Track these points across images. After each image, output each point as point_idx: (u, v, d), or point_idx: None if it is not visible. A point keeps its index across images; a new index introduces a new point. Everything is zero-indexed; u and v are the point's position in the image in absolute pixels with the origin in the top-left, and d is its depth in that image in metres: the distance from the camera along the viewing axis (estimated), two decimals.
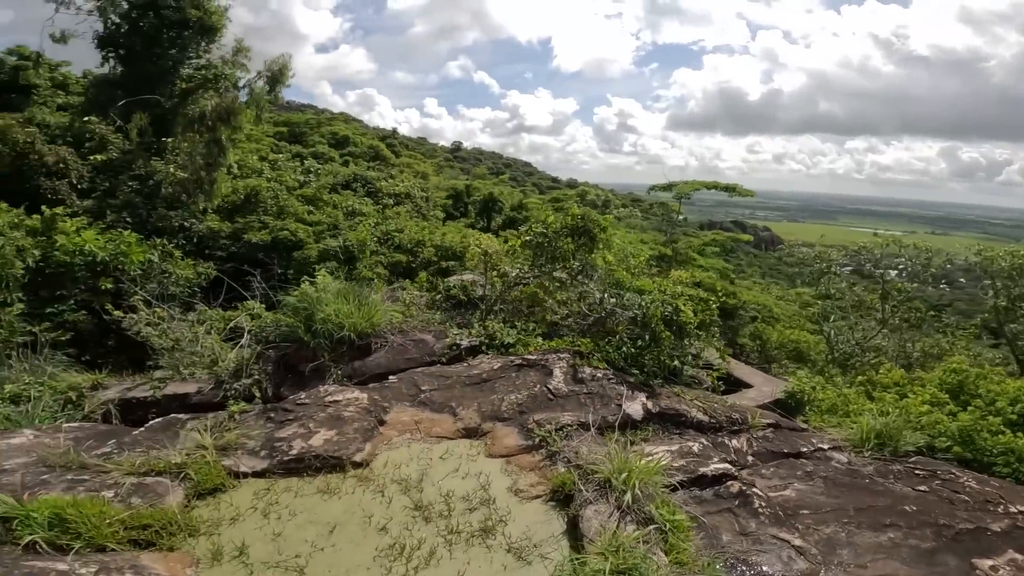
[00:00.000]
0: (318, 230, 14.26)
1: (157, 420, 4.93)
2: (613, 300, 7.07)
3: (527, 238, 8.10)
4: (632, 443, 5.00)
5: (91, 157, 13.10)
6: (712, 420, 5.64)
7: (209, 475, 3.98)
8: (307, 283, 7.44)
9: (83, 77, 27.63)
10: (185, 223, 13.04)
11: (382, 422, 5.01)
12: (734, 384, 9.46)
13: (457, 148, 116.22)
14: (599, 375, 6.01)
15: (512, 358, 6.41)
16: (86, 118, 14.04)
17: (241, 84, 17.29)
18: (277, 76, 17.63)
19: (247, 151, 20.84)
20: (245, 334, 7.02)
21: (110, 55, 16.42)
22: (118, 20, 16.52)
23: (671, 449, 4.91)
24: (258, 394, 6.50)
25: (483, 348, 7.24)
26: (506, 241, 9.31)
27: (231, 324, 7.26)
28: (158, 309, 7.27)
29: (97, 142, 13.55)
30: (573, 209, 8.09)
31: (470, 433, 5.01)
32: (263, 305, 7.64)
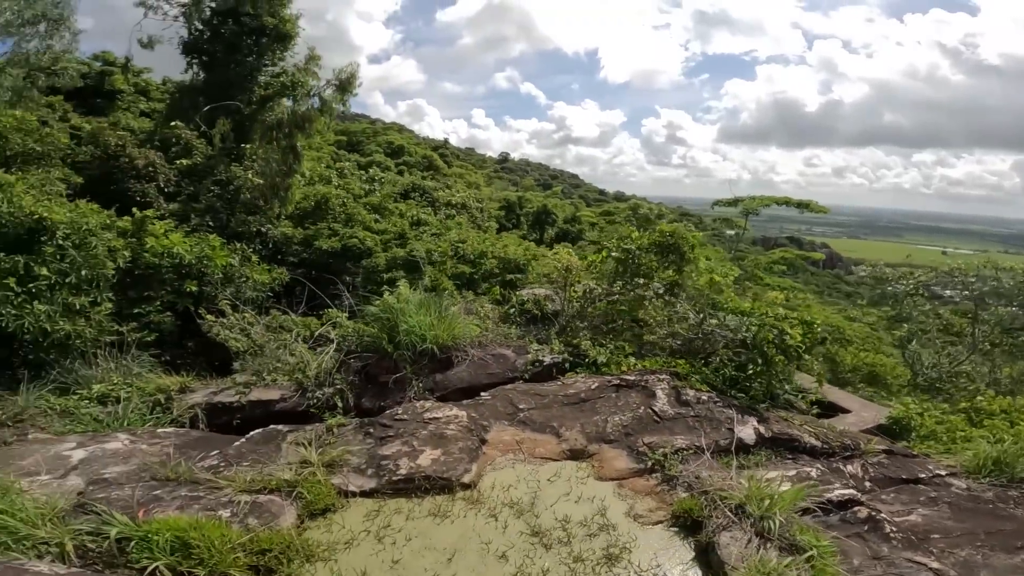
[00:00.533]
0: (385, 239, 14.32)
1: (257, 431, 4.82)
2: (714, 321, 6.64)
3: (614, 254, 7.75)
4: (744, 467, 4.93)
5: (176, 162, 13.63)
6: (824, 445, 5.52)
7: (320, 495, 3.83)
8: (388, 293, 7.32)
9: (162, 84, 29.15)
10: (262, 228, 13.32)
11: (483, 441, 4.88)
12: (828, 408, 8.91)
13: (504, 159, 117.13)
14: (704, 398, 5.85)
15: (608, 378, 6.19)
16: (172, 123, 14.64)
17: (312, 92, 17.71)
18: (345, 85, 17.95)
19: (311, 159, 21.36)
20: (332, 343, 6.94)
21: (194, 61, 17.10)
22: (201, 27, 17.20)
23: (788, 475, 4.83)
24: (340, 404, 6.41)
25: (565, 365, 6.97)
26: (584, 257, 9.00)
27: (317, 332, 7.20)
28: (246, 314, 7.28)
29: (182, 147, 14.09)
30: (662, 226, 7.74)
31: (575, 455, 4.90)
32: (345, 313, 7.56)
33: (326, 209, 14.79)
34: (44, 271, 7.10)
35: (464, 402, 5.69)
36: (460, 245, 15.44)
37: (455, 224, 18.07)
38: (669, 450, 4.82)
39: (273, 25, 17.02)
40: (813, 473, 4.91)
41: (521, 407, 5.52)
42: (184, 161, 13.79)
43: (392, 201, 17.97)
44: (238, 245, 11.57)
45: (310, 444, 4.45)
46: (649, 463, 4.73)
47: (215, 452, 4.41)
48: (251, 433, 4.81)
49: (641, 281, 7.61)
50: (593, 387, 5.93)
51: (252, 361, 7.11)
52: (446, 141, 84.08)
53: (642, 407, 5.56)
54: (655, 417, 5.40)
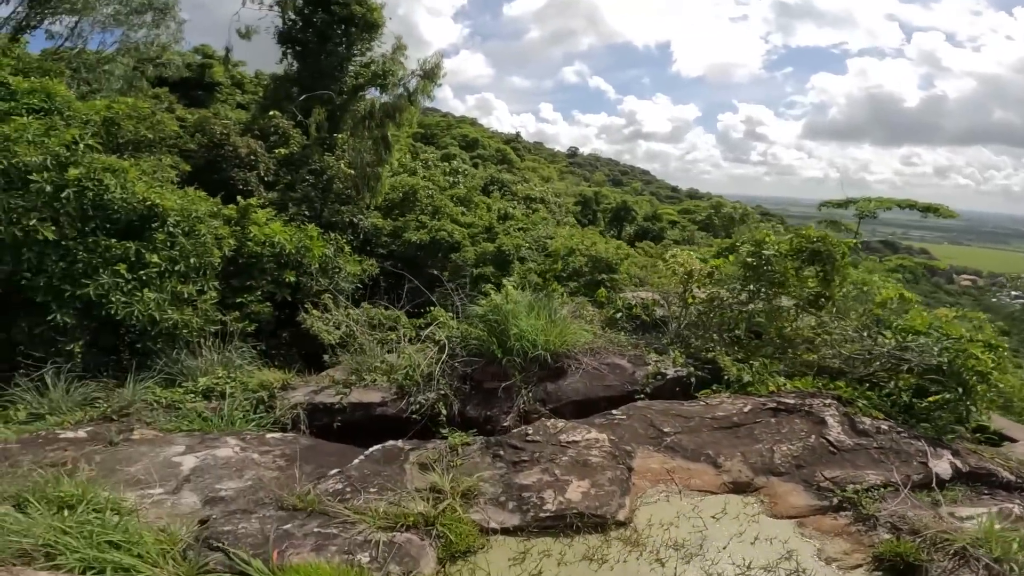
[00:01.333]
0: (473, 232, 13.91)
1: (377, 449, 4.35)
2: (889, 340, 5.62)
3: (748, 259, 6.80)
4: (939, 504, 4.42)
5: (275, 151, 13.83)
6: (1018, 479, 4.97)
7: (462, 534, 3.29)
8: (493, 292, 6.76)
9: (255, 77, 30.35)
10: (353, 219, 13.27)
11: (630, 469, 4.19)
12: (992, 436, 7.70)
13: (574, 154, 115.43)
14: (884, 427, 5.07)
15: (760, 399, 5.42)
16: (270, 112, 14.92)
17: (400, 82, 17.59)
18: (431, 74, 17.71)
19: (397, 150, 21.41)
20: (434, 344, 6.47)
21: (288, 51, 17.41)
22: (294, 16, 17.48)
23: (990, 512, 4.25)
24: (444, 411, 5.97)
25: (690, 380, 6.18)
26: (704, 260, 8.06)
27: (426, 333, 6.76)
28: (349, 310, 6.96)
29: (280, 136, 14.30)
30: (809, 230, 6.70)
31: (739, 488, 4.36)
32: (450, 313, 7.09)
33: (414, 201, 14.56)
34: (155, 258, 7.07)
35: (596, 421, 5.04)
36: (548, 241, 14.79)
37: (540, 219, 17.46)
38: (861, 486, 4.27)
39: (361, 14, 17.01)
40: (1016, 510, 4.39)
41: (665, 430, 4.85)
42: (282, 150, 13.96)
43: (477, 194, 17.59)
44: (332, 235, 11.48)
45: (434, 463, 3.93)
46: (834, 500, 4.20)
47: (335, 473, 3.96)
48: (370, 450, 4.35)
49: (775, 291, 6.63)
50: (745, 410, 5.18)
51: (350, 358, 6.77)
52: (518, 135, 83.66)
53: (812, 436, 4.89)
54: (830, 448, 4.76)
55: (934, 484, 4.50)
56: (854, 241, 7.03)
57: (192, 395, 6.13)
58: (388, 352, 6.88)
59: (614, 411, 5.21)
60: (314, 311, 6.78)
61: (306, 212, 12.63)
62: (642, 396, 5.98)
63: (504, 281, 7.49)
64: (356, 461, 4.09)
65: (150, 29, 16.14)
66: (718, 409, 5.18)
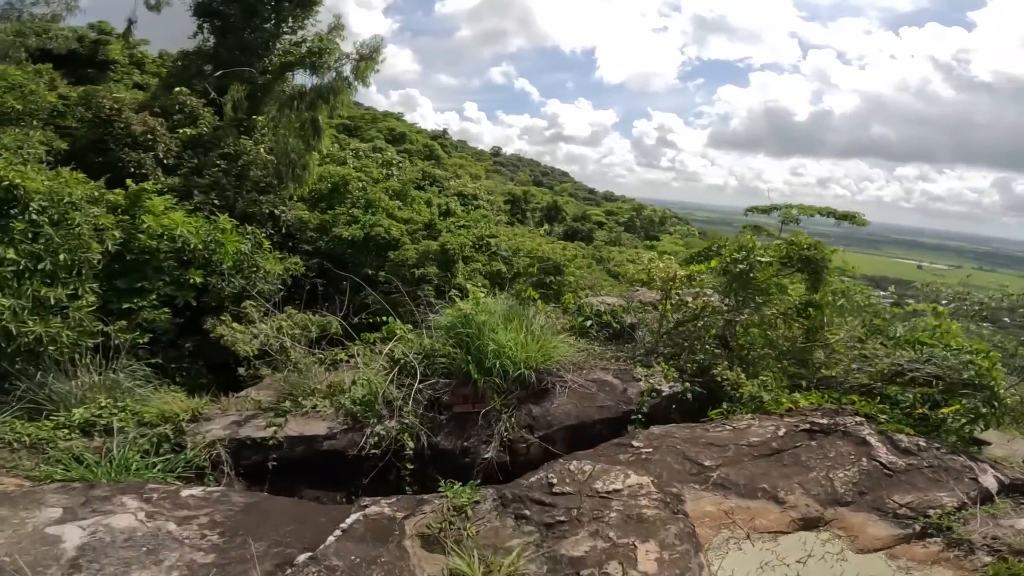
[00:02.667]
0: (412, 229, 12.65)
1: (357, 519, 3.17)
2: (905, 354, 5.22)
3: (740, 266, 6.26)
4: (997, 518, 4.20)
5: (179, 131, 11.81)
6: None
7: None
8: (461, 301, 5.76)
9: (159, 57, 26.97)
10: (274, 211, 11.57)
11: (686, 516, 3.39)
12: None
13: (497, 153, 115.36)
14: (922, 444, 4.75)
15: (790, 420, 4.89)
16: (176, 89, 12.79)
17: (336, 64, 16.01)
18: (369, 58, 16.28)
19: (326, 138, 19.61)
20: (403, 363, 5.34)
21: (205, 25, 15.26)
22: None
23: None
24: (410, 444, 4.89)
25: (686, 396, 5.57)
26: (693, 264, 7.48)
27: (383, 349, 5.58)
28: (280, 320, 5.63)
29: (187, 115, 12.27)
30: (801, 236, 6.27)
31: (809, 524, 3.91)
32: (408, 325, 5.96)
33: (344, 192, 13.04)
34: (11, 254, 5.38)
35: (621, 457, 4.21)
36: (491, 240, 13.86)
37: (482, 216, 16.44)
38: (942, 509, 3.98)
39: None
40: None
41: (705, 463, 4.14)
42: (188, 131, 11.96)
43: (412, 188, 16.26)
44: (249, 228, 9.86)
45: (441, 534, 2.88)
46: (916, 526, 3.91)
47: (306, 561, 2.75)
48: (349, 522, 3.14)
49: (762, 299, 6.15)
50: (780, 433, 4.58)
51: (281, 379, 5.48)
52: (445, 131, 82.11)
53: (862, 458, 4.44)
54: (885, 470, 4.36)
55: (986, 498, 4.24)
56: (838, 250, 6.68)
57: (65, 431, 4.65)
58: (328, 370, 5.66)
59: (634, 442, 4.42)
60: (226, 318, 5.41)
61: (216, 201, 10.82)
62: (639, 417, 5.27)
63: (470, 287, 6.49)
64: (332, 540, 2.92)
65: None
66: (749, 434, 4.54)
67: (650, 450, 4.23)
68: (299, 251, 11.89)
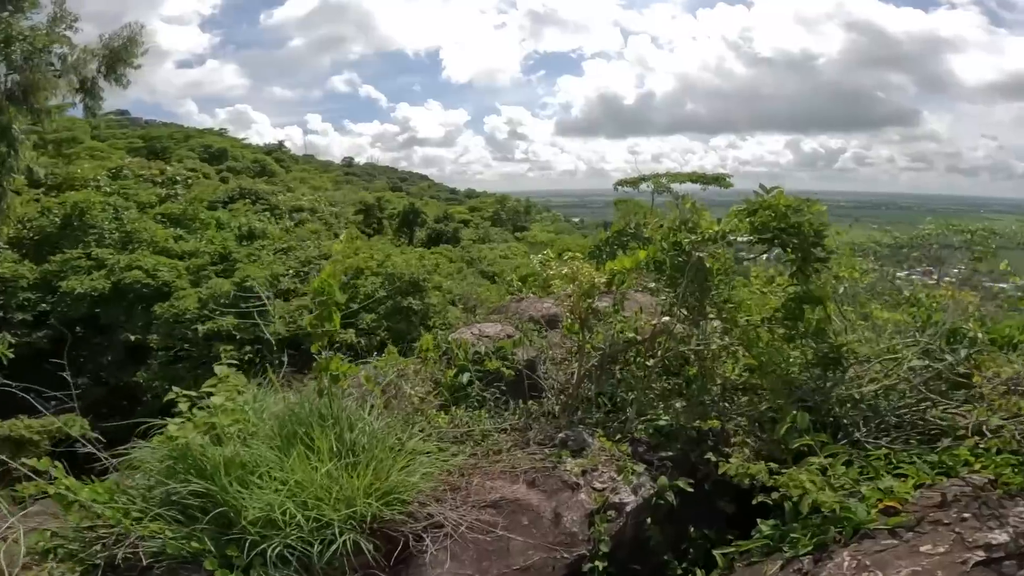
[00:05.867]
0: (197, 264, 8.93)
1: None
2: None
3: (669, 254, 3.83)
4: None
5: None
6: None
7: None
8: (175, 426, 2.71)
9: None
10: None
11: None
12: None
13: (350, 163, 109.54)
14: None
15: (944, 550, 2.17)
16: None
17: (68, 62, 11.59)
18: (120, 53, 12.10)
19: (97, 166, 14.68)
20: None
21: None
22: None
23: None
24: None
25: (665, 500, 3.17)
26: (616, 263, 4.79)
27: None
28: None
29: None
30: (781, 197, 3.84)
31: None
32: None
33: (83, 227, 8.86)
34: None
35: None
36: (320, 263, 10.52)
37: (309, 233, 12.82)
38: None
39: None
40: None
41: None
42: None
43: (205, 209, 12.14)
44: None
45: None
46: None
47: None
48: None
49: (721, 301, 3.81)
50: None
51: None
52: (281, 144, 74.94)
53: None
54: None
55: None
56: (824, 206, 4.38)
57: None
58: None
59: None
60: None
61: None
62: (596, 566, 2.78)
63: (216, 367, 3.36)
64: None
65: None
66: None
67: None
68: (10, 323, 7.70)
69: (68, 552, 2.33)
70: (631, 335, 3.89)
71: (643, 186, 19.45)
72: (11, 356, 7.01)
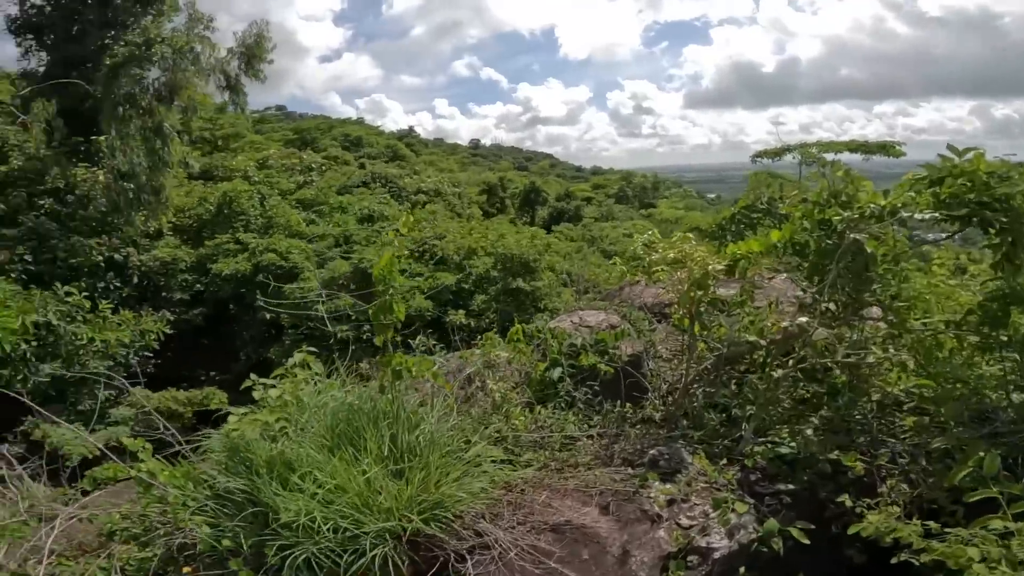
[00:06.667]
0: (323, 246, 9.52)
1: None
2: None
3: (812, 234, 3.06)
4: None
5: None
6: None
7: None
8: (240, 412, 2.64)
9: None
10: (117, 255, 8.43)
11: None
12: None
13: (476, 145, 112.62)
14: None
15: None
16: None
17: (207, 63, 12.87)
18: (253, 50, 13.17)
19: (249, 159, 16.34)
20: None
21: (29, 43, 12.14)
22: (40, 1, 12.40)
23: None
24: None
25: (767, 547, 2.55)
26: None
27: None
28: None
29: None
30: (979, 161, 2.87)
31: None
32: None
33: (232, 214, 9.86)
34: None
35: None
36: (436, 243, 10.67)
37: (428, 214, 13.20)
38: None
39: None
40: None
41: None
42: None
43: (335, 194, 12.97)
44: (62, 289, 6.75)
45: None
46: None
47: None
48: None
49: (886, 297, 2.95)
50: None
51: None
52: (411, 129, 79.15)
53: None
54: None
55: None
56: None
57: None
58: None
59: None
60: None
61: (28, 257, 7.71)
62: None
63: (297, 354, 3.34)
64: None
65: None
66: None
67: None
68: (170, 302, 8.75)
69: (132, 535, 2.40)
70: (754, 338, 3.18)
71: (788, 157, 17.14)
72: (168, 332, 8.00)
